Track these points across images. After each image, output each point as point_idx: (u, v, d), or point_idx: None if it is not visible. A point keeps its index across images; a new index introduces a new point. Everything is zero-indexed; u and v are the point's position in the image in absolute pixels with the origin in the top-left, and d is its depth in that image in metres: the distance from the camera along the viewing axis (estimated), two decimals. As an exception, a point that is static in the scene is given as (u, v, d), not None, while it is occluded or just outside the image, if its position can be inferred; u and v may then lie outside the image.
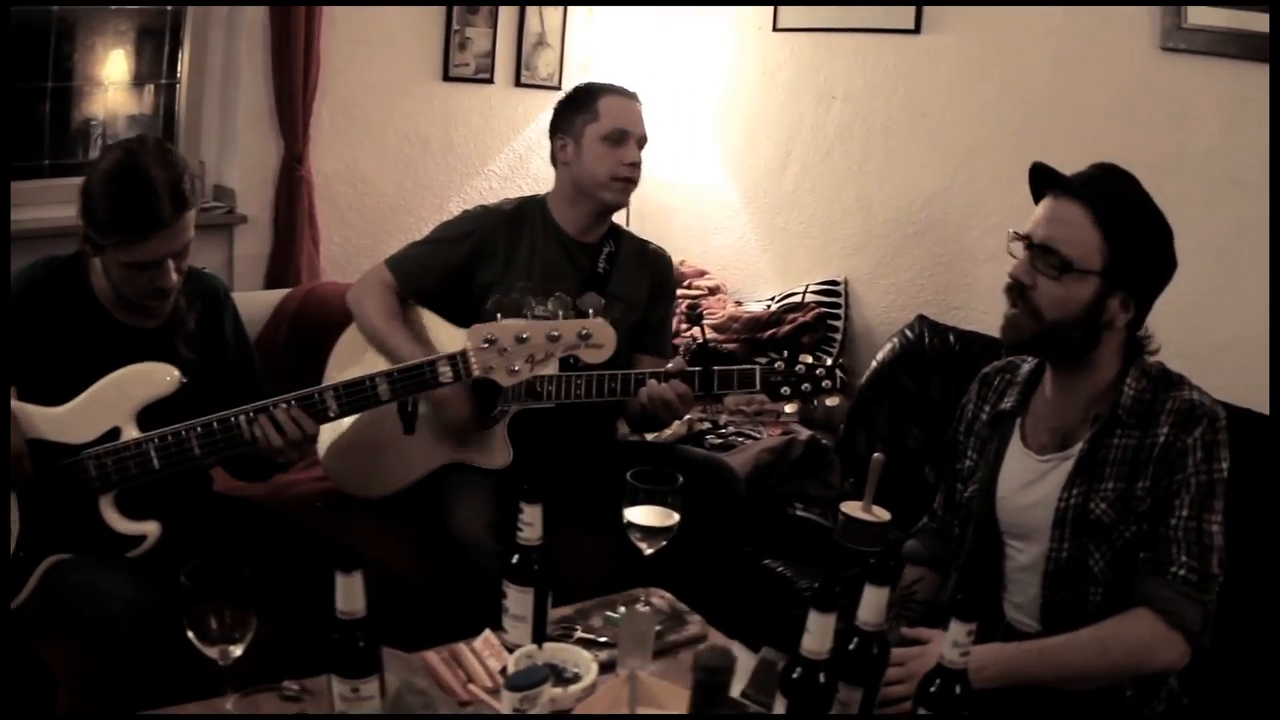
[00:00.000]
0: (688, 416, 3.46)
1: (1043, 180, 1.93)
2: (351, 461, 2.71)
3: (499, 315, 2.13)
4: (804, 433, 3.23)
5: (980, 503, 2.08)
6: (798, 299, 3.85)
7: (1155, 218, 1.89)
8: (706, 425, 3.50)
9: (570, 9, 4.23)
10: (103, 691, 1.96)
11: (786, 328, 3.72)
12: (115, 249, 2.08)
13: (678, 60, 4.31)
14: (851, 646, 1.60)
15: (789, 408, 2.49)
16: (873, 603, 1.58)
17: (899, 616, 2.17)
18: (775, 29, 3.94)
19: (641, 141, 2.75)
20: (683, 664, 1.85)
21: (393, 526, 2.69)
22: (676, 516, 1.86)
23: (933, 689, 1.52)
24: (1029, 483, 2.00)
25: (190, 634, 1.50)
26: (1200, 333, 2.80)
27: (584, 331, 2.08)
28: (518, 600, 1.78)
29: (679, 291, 4.03)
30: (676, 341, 3.79)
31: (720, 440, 3.39)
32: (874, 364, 3.35)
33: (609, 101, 2.74)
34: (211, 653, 1.50)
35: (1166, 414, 1.85)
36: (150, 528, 2.11)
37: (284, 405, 2.11)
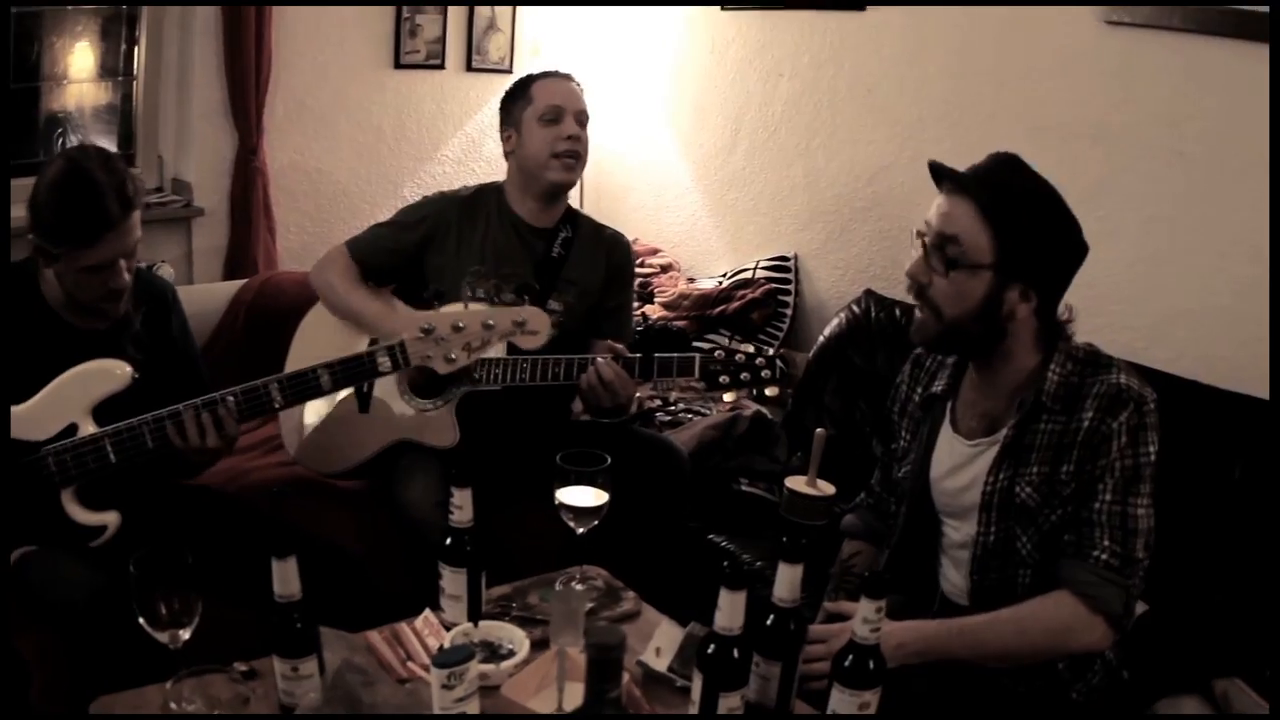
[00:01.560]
0: (637, 395, 3.54)
1: (937, 176, 1.94)
2: (312, 439, 2.79)
3: (437, 303, 2.19)
4: (750, 408, 3.29)
5: (913, 483, 2.13)
6: (749, 275, 3.90)
7: (1048, 206, 1.88)
8: (657, 403, 3.54)
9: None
10: (73, 675, 2.02)
11: (736, 304, 3.77)
12: (68, 255, 2.14)
13: (628, 40, 4.35)
14: (769, 622, 1.65)
15: (728, 396, 2.54)
16: (787, 580, 1.63)
17: (838, 589, 2.24)
18: (724, 7, 3.98)
19: (580, 117, 2.81)
20: None
21: (347, 509, 2.78)
22: (606, 497, 1.94)
23: (846, 664, 1.57)
24: (958, 466, 2.04)
25: (141, 620, 1.56)
26: (1146, 303, 2.87)
27: (519, 319, 2.14)
28: (453, 581, 1.85)
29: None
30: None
31: (669, 417, 3.45)
32: (821, 339, 3.39)
33: (541, 84, 2.82)
34: (162, 637, 1.57)
35: (1093, 398, 1.86)
36: (110, 518, 2.18)
37: (193, 409, 2.17)
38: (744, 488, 3.11)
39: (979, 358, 2.00)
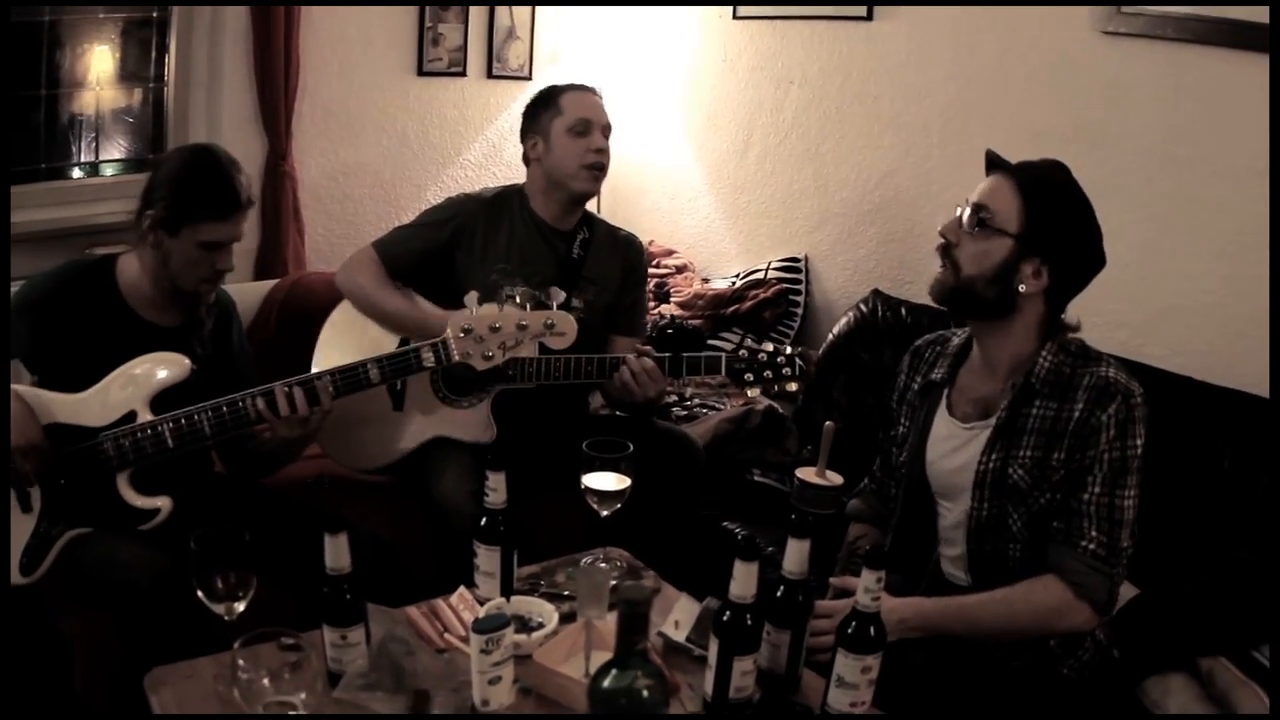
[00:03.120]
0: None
1: (990, 164, 2.09)
2: (345, 435, 2.87)
3: (474, 306, 2.32)
4: (762, 403, 3.41)
5: (911, 466, 2.25)
6: (761, 276, 4.01)
7: (1079, 206, 2.02)
8: (674, 398, 3.66)
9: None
10: (121, 655, 2.12)
11: (748, 304, 3.90)
12: (198, 228, 2.32)
13: (644, 49, 4.47)
14: (779, 594, 1.77)
15: (751, 393, 2.66)
16: (795, 554, 1.74)
17: (844, 569, 2.35)
18: (735, 16, 4.10)
19: (606, 130, 2.92)
20: None
21: (382, 500, 2.90)
22: (629, 481, 2.06)
23: (849, 630, 1.67)
24: (954, 448, 2.15)
25: (199, 594, 1.68)
26: (1141, 301, 2.96)
27: (549, 321, 2.29)
28: (487, 558, 1.98)
29: (649, 270, 4.22)
30: (646, 319, 3.99)
31: (685, 412, 3.57)
32: (830, 337, 3.50)
33: (570, 97, 2.92)
34: (218, 609, 1.68)
35: (1083, 389, 1.97)
36: (163, 502, 2.32)
37: (285, 387, 2.32)
38: (756, 478, 3.23)
39: (985, 326, 2.10)
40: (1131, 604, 2.38)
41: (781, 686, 1.79)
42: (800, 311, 3.92)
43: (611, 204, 4.64)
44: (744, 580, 1.66)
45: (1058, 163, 2.06)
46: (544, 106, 2.95)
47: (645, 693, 1.34)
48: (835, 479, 2.44)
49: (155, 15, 3.67)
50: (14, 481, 2.31)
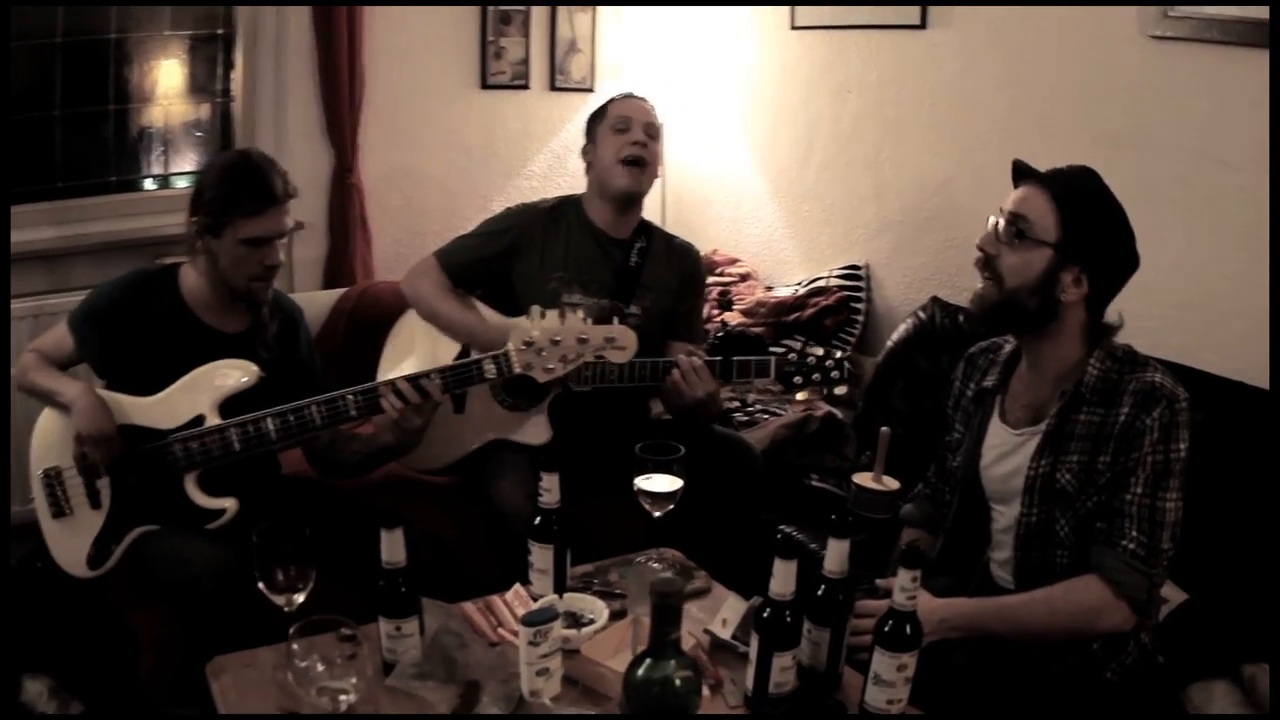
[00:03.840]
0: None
1: (1019, 174, 2.11)
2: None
3: (537, 317, 2.37)
4: (821, 409, 3.43)
5: (964, 471, 2.26)
6: (823, 284, 4.03)
7: (1112, 211, 2.04)
8: (736, 404, 3.70)
9: (599, 13, 4.45)
10: (185, 646, 2.21)
11: (810, 311, 3.92)
12: (234, 226, 2.40)
13: (705, 60, 4.52)
14: (820, 593, 1.80)
15: (800, 395, 2.69)
16: (835, 554, 1.78)
17: (895, 571, 2.40)
18: (793, 27, 4.13)
19: (649, 129, 2.97)
20: (687, 613, 2.04)
21: (443, 501, 2.98)
22: (680, 483, 2.09)
23: (886, 629, 1.70)
24: (1005, 454, 2.15)
25: (261, 585, 1.75)
26: (1194, 308, 2.95)
27: (610, 335, 2.33)
28: (541, 556, 2.03)
29: (712, 279, 4.26)
30: (709, 326, 4.03)
31: (746, 418, 3.60)
32: (889, 344, 3.50)
33: (616, 103, 3.03)
34: (279, 601, 1.75)
35: (1129, 394, 1.98)
36: (229, 503, 2.42)
37: (352, 395, 2.40)
38: (814, 483, 3.25)
39: (1029, 334, 2.11)
40: (1179, 610, 2.39)
41: (823, 684, 1.82)
42: (862, 319, 3.94)
43: (677, 213, 4.70)
44: (783, 578, 1.70)
45: (1087, 169, 2.08)
46: (597, 117, 3.04)
47: (678, 682, 1.38)
48: (891, 484, 2.46)
49: (220, 32, 3.81)
50: (84, 475, 2.43)
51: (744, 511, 2.94)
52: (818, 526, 2.95)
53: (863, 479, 3.00)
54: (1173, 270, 2.93)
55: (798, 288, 4.11)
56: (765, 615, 1.71)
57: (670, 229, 4.45)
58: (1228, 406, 2.60)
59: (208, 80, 3.89)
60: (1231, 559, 2.47)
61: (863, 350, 3.84)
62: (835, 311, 3.91)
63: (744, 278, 4.34)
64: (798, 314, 3.94)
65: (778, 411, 3.60)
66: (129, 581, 2.50)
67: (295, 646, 1.57)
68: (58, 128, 3.59)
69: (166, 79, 3.81)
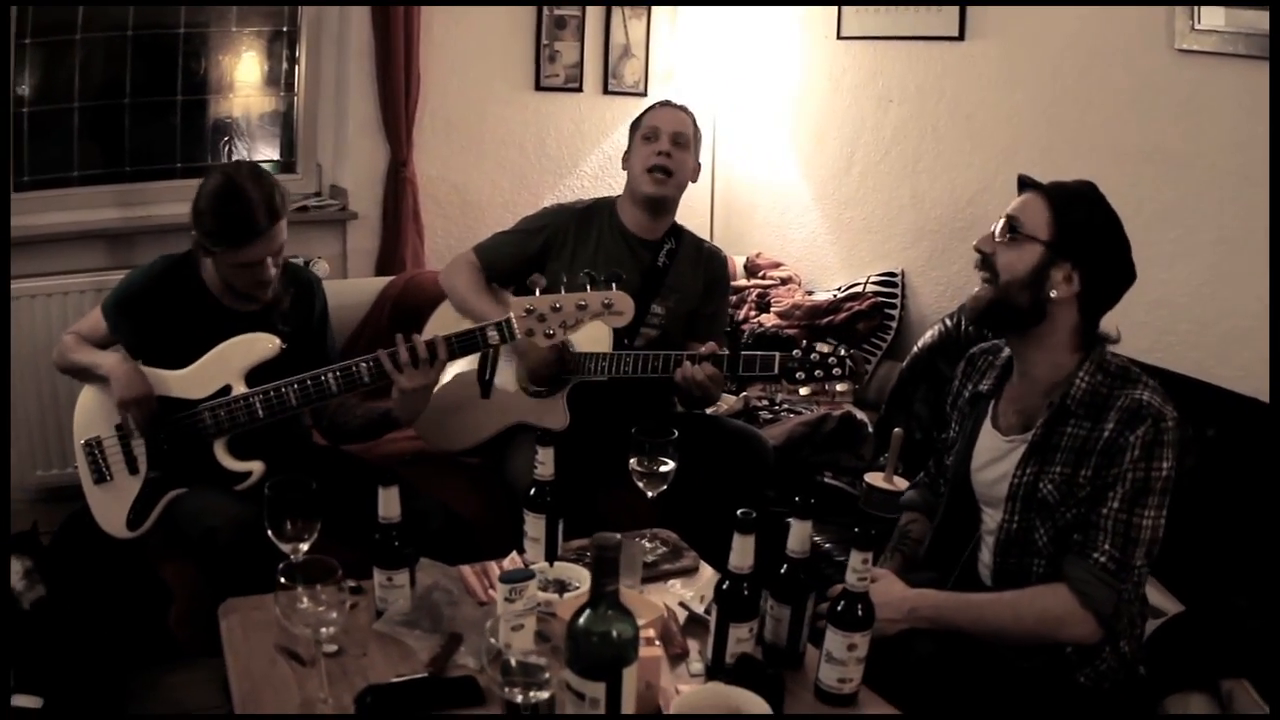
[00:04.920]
0: (743, 394, 3.81)
1: (1021, 186, 2.16)
2: (437, 420, 3.11)
3: (538, 289, 2.51)
4: (840, 409, 3.52)
5: (955, 471, 2.32)
6: (859, 289, 4.13)
7: (1106, 214, 2.07)
8: (765, 403, 3.81)
9: (653, 19, 4.57)
10: (210, 598, 2.29)
11: (843, 315, 4.01)
12: (223, 254, 2.55)
13: (753, 67, 4.64)
14: (782, 571, 1.88)
15: (803, 390, 2.78)
16: (798, 534, 1.87)
17: (896, 550, 2.44)
18: (839, 37, 4.22)
19: (677, 138, 3.08)
20: (671, 590, 2.21)
21: (468, 479, 3.13)
22: (672, 464, 2.19)
23: (839, 608, 1.79)
24: (994, 459, 2.19)
25: (270, 533, 1.88)
26: (1214, 323, 2.98)
27: (607, 301, 2.44)
28: (534, 525, 2.16)
29: (754, 281, 4.37)
30: (745, 327, 4.14)
31: (771, 415, 3.71)
32: (914, 349, 3.58)
33: (650, 112, 3.16)
34: (285, 548, 1.88)
35: (1116, 410, 1.99)
36: (255, 466, 2.60)
37: (364, 361, 2.54)
38: (827, 480, 3.34)
39: (1020, 336, 2.14)
40: (1170, 622, 2.45)
41: (784, 660, 1.90)
42: (895, 325, 4.02)
43: (725, 217, 4.82)
44: (741, 552, 1.80)
45: (1087, 181, 2.12)
46: (635, 125, 3.18)
47: (615, 634, 1.50)
48: (901, 484, 2.54)
49: (285, 30, 4.01)
50: (123, 442, 2.62)
51: (753, 501, 3.03)
52: (827, 523, 3.05)
53: (874, 478, 3.11)
54: (1200, 286, 2.99)
55: (836, 293, 4.19)
56: (724, 587, 1.82)
57: (718, 232, 4.62)
58: (1249, 426, 2.65)
59: (272, 74, 4.09)
60: (1230, 573, 2.52)
61: (894, 356, 3.91)
62: (868, 316, 4.00)
63: (785, 281, 4.43)
64: (831, 318, 4.03)
65: (802, 410, 3.70)
66: (163, 540, 2.69)
67: (300, 594, 1.69)
68: (127, 116, 3.82)
69: (232, 72, 4.01)
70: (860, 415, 3.56)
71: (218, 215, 2.51)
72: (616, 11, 4.47)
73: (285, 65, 4.09)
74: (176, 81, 3.87)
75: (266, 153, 4.14)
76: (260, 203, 2.51)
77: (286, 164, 4.17)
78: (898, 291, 4.06)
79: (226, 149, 4.06)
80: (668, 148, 3.06)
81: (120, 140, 3.85)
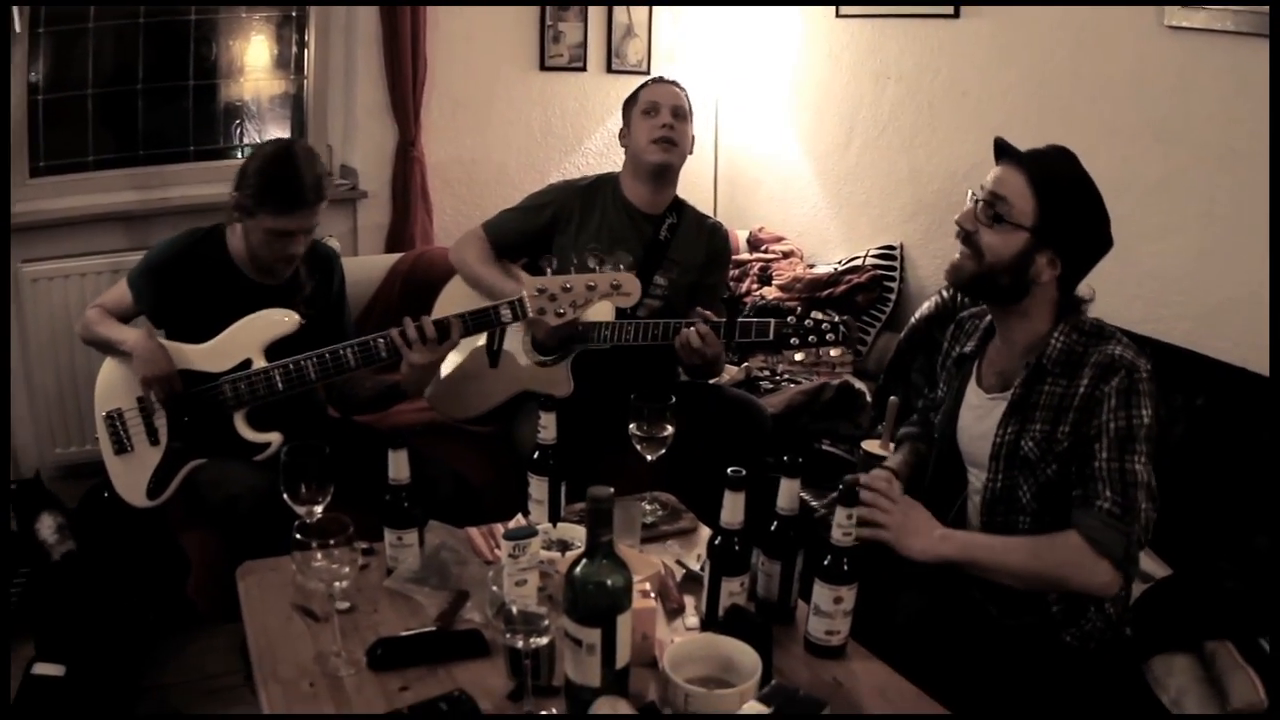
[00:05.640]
0: (745, 364, 3.90)
1: (1000, 151, 2.18)
2: (448, 389, 3.24)
3: (550, 270, 2.61)
4: (838, 378, 3.62)
5: (943, 430, 2.39)
6: (859, 262, 4.21)
7: (1088, 195, 2.10)
8: (766, 373, 3.90)
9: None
10: (229, 565, 2.36)
11: (842, 288, 4.09)
12: (263, 217, 2.63)
13: (754, 45, 4.71)
14: (772, 528, 1.96)
15: (798, 356, 2.87)
16: (787, 492, 1.95)
17: (899, 441, 2.62)
18: (838, 15, 4.29)
19: (676, 111, 3.19)
20: (668, 548, 2.31)
21: (474, 446, 3.24)
22: (670, 429, 2.29)
23: (825, 563, 1.85)
24: (979, 417, 2.26)
25: (285, 496, 1.96)
26: (1203, 295, 3.03)
27: (615, 282, 2.56)
28: (538, 487, 2.26)
29: (756, 255, 4.46)
30: (748, 300, 4.23)
31: (772, 385, 3.79)
32: (912, 320, 3.65)
33: (646, 89, 3.27)
34: (300, 511, 1.95)
35: (1090, 366, 2.04)
36: (274, 437, 2.70)
37: (380, 338, 2.64)
38: (825, 447, 3.43)
39: (1001, 308, 2.19)
40: (1156, 586, 2.51)
41: (775, 614, 1.99)
42: (894, 297, 4.10)
43: (730, 193, 4.90)
44: (732, 508, 1.90)
45: (1065, 150, 2.13)
46: (630, 102, 3.29)
47: (609, 583, 1.60)
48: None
49: (294, 14, 4.10)
50: (144, 414, 2.72)
51: (751, 466, 3.12)
52: (822, 487, 3.13)
53: (871, 445, 3.18)
54: (1191, 260, 3.04)
55: (836, 266, 4.28)
56: (716, 543, 1.91)
57: (722, 207, 4.71)
58: (1237, 395, 2.70)
59: (282, 58, 4.18)
60: (1214, 538, 2.59)
61: (893, 327, 3.99)
62: (867, 289, 4.08)
63: (786, 255, 4.51)
64: (830, 290, 4.12)
65: (802, 380, 3.79)
66: (183, 509, 2.79)
67: (315, 554, 1.77)
68: (140, 101, 3.92)
69: (243, 57, 4.11)
70: (858, 384, 3.65)
71: (270, 177, 2.61)
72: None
73: (295, 49, 4.18)
74: (188, 67, 3.97)
75: (277, 134, 4.24)
76: (311, 180, 2.63)
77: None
78: (896, 264, 4.14)
79: (239, 131, 4.16)
80: (670, 119, 3.16)
81: (134, 125, 3.96)
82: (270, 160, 2.63)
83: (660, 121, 3.15)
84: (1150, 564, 2.58)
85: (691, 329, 2.84)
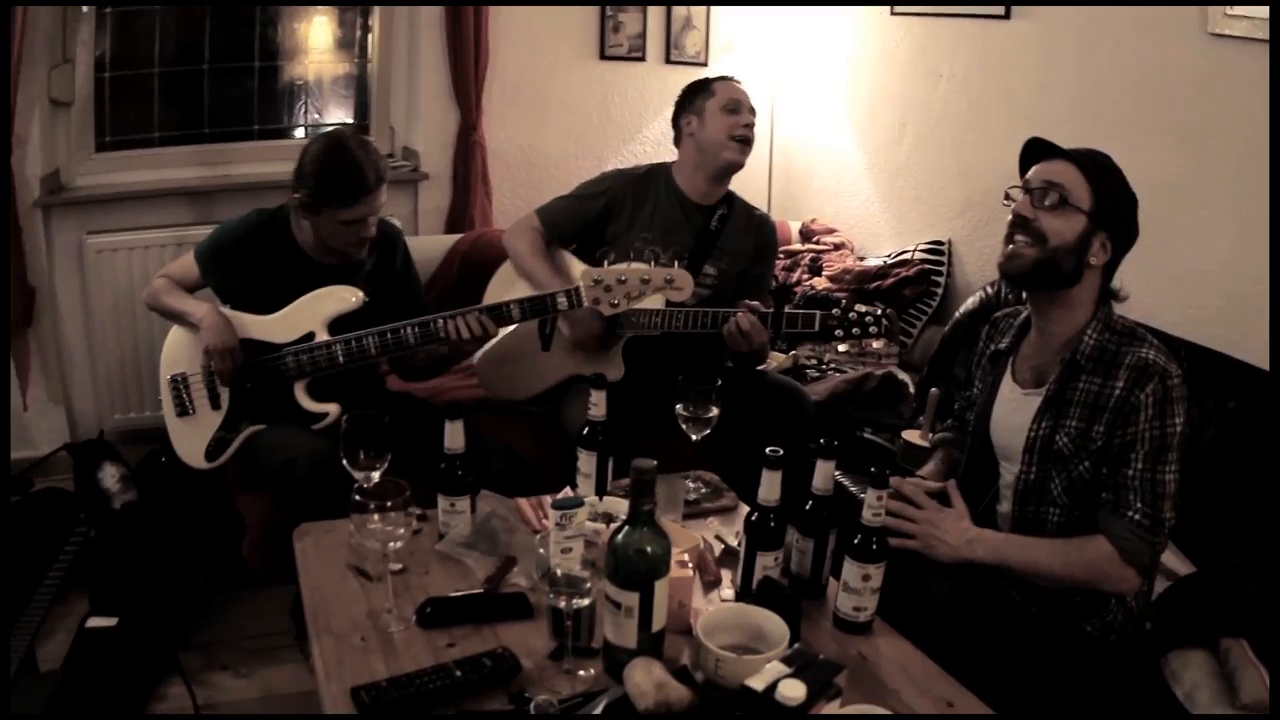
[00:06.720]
0: (793, 352, 3.98)
1: (1039, 150, 2.26)
2: (501, 370, 3.34)
3: (606, 261, 2.71)
4: (883, 368, 3.69)
5: (977, 426, 2.45)
6: (908, 256, 4.27)
7: (1128, 185, 2.19)
8: (813, 361, 3.97)
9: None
10: (282, 526, 2.45)
11: (890, 280, 4.17)
12: (332, 211, 2.74)
13: (810, 40, 4.77)
14: (807, 507, 2.03)
15: (841, 347, 2.93)
16: (823, 474, 2.03)
17: (935, 445, 2.69)
18: (893, 12, 4.35)
19: (751, 112, 3.28)
20: (709, 524, 2.39)
21: (531, 426, 3.34)
22: (715, 410, 2.38)
23: (855, 541, 1.93)
24: (1013, 411, 2.31)
25: (345, 462, 2.05)
26: (1238, 298, 3.04)
27: (669, 277, 2.66)
28: (586, 461, 2.35)
29: (807, 246, 4.53)
30: (798, 290, 4.30)
31: (818, 374, 3.88)
32: (956, 315, 3.70)
33: (722, 84, 3.32)
34: (359, 476, 2.04)
35: (1124, 368, 2.10)
36: (332, 408, 2.82)
37: (466, 315, 2.76)
38: (867, 435, 3.51)
39: (1049, 295, 2.22)
40: (1181, 582, 2.57)
41: (807, 590, 2.07)
42: (940, 291, 4.16)
43: (784, 184, 4.95)
44: (769, 486, 1.98)
45: (1100, 151, 2.22)
46: (698, 91, 3.34)
47: (649, 549, 1.70)
48: (935, 441, 2.69)
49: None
50: (207, 380, 2.84)
51: (794, 450, 3.20)
52: (862, 473, 3.21)
53: (911, 435, 3.27)
54: (1225, 261, 3.08)
55: (886, 259, 4.34)
56: (753, 519, 1.99)
57: (776, 198, 4.79)
58: (1269, 399, 2.72)
59: (345, 40, 4.31)
60: (1234, 536, 2.64)
61: (939, 321, 4.05)
62: (914, 282, 4.15)
63: (837, 247, 4.58)
64: (879, 283, 4.19)
65: (847, 370, 3.86)
66: (241, 473, 2.93)
67: (370, 518, 1.87)
68: (206, 80, 4.07)
69: (308, 39, 4.24)
70: (902, 376, 3.72)
71: (330, 173, 2.71)
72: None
73: (358, 32, 4.30)
74: (254, 48, 4.11)
75: (340, 115, 4.38)
76: (369, 164, 2.72)
77: (361, 127, 4.39)
78: (944, 260, 4.19)
79: (303, 111, 4.30)
80: (751, 120, 3.26)
81: (199, 104, 4.11)
82: (325, 155, 2.72)
83: (743, 120, 3.23)
84: (1175, 561, 2.64)
85: (736, 318, 2.92)
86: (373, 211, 2.78)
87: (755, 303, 2.98)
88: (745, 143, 3.25)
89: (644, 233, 3.26)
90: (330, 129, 2.98)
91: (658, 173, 3.37)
